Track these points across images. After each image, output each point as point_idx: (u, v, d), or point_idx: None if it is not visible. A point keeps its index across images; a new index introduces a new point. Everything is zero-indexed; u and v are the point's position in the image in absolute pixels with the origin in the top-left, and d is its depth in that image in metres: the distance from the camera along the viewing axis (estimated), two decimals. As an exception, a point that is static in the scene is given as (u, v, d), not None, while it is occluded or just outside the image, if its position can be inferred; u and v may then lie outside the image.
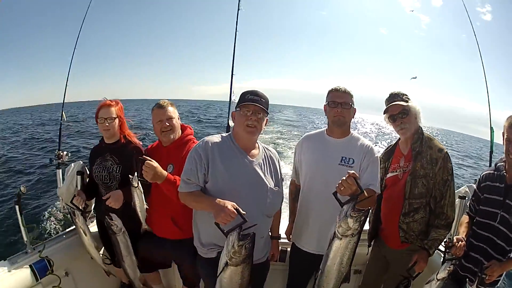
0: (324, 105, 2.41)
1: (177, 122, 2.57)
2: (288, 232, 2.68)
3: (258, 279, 2.40)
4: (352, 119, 2.42)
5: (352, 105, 2.35)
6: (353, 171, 1.80)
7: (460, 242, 2.10)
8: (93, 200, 3.02)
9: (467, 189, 2.71)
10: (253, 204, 2.05)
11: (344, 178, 1.79)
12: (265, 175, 2.17)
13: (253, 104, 2.07)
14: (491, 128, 3.23)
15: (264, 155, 2.25)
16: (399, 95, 2.44)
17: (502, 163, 2.23)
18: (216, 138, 2.17)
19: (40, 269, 2.58)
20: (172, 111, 2.55)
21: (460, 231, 2.32)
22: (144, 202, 2.39)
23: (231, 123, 2.32)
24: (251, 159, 2.16)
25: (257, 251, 2.05)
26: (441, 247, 2.70)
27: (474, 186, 2.43)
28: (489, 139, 3.11)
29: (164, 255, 2.81)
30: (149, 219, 2.50)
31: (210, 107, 63.79)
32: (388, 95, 2.50)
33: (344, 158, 2.31)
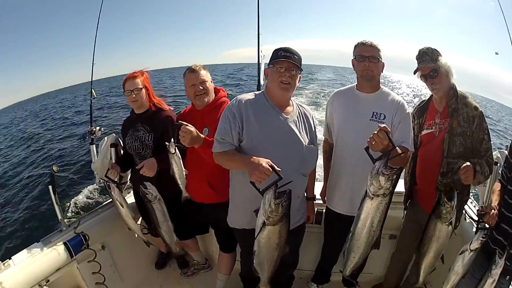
0: (352, 59, 2.35)
1: (210, 85, 2.54)
2: (323, 193, 2.66)
3: (294, 242, 2.40)
4: (381, 73, 2.35)
5: (380, 59, 2.28)
6: (384, 125, 1.76)
7: (492, 210, 2.04)
8: (129, 172, 3.08)
9: (499, 155, 2.63)
10: (288, 162, 2.02)
11: (375, 132, 1.75)
12: (300, 132, 2.14)
13: (286, 61, 2.02)
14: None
15: (299, 111, 2.21)
16: (428, 53, 2.35)
17: None
18: (250, 96, 2.15)
19: (75, 245, 2.64)
20: (205, 75, 2.51)
21: (493, 199, 2.22)
22: (183, 169, 2.36)
23: (262, 82, 2.29)
24: (285, 116, 2.13)
25: (293, 212, 2.03)
26: (474, 216, 2.71)
27: (506, 152, 2.32)
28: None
29: (201, 220, 2.88)
30: (186, 184, 2.47)
31: (244, 69, 62.71)
32: (418, 53, 2.40)
33: (375, 113, 2.26)
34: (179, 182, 2.39)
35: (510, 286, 2.20)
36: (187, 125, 2.18)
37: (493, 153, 2.73)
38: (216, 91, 2.62)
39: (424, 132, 2.49)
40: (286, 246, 1.91)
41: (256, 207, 1.81)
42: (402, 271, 2.88)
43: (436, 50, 2.35)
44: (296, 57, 2.06)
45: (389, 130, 1.75)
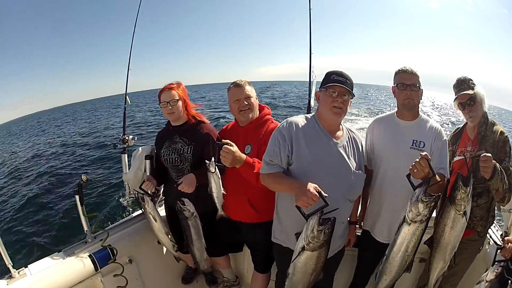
0: (392, 87, 2.37)
1: (255, 101, 2.51)
2: (361, 218, 2.62)
3: (331, 268, 2.37)
4: (421, 100, 2.36)
5: (420, 86, 2.29)
6: (425, 153, 1.80)
7: (510, 244, 2.11)
8: (162, 185, 3.01)
9: None
10: (336, 188, 2.01)
11: (417, 160, 1.80)
12: (349, 158, 2.12)
13: (339, 86, 2.02)
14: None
15: (348, 137, 2.20)
16: (466, 81, 2.45)
17: None
18: (300, 119, 2.15)
19: (101, 258, 2.61)
20: (250, 90, 2.48)
21: (511, 230, 2.34)
22: (222, 188, 2.33)
23: (313, 103, 2.29)
24: (335, 141, 2.11)
25: (335, 238, 2.02)
26: (498, 241, 2.68)
27: None
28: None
29: (237, 239, 2.80)
30: (224, 201, 2.42)
31: (273, 88, 63.15)
32: (456, 81, 2.51)
33: (415, 141, 2.27)
34: (216, 201, 2.36)
35: None
36: (230, 144, 2.17)
37: None
38: (261, 108, 2.59)
39: (456, 158, 2.54)
40: (321, 273, 1.90)
41: (300, 230, 1.81)
42: None
43: (471, 79, 2.46)
44: (349, 82, 2.05)
45: (430, 158, 1.79)
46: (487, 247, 2.86)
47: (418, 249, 1.89)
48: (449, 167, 2.45)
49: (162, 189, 3.09)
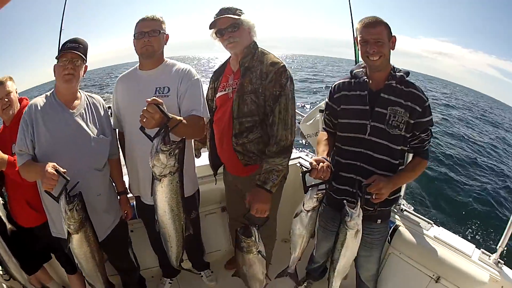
0: (133, 40, 2.19)
1: (14, 96, 2.38)
2: (128, 185, 2.49)
3: (120, 244, 2.40)
4: (165, 45, 2.24)
5: (162, 31, 2.17)
6: (153, 97, 1.63)
7: (320, 164, 1.85)
8: None
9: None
10: (78, 159, 1.98)
11: (144, 108, 1.62)
12: (87, 125, 2.07)
13: (69, 52, 1.98)
14: (354, 43, 3.36)
15: (87, 103, 2.15)
16: (231, 9, 2.19)
17: (361, 70, 2.04)
18: (40, 98, 2.06)
19: None
20: (11, 85, 2.36)
21: (320, 150, 2.11)
22: None
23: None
24: (71, 111, 2.05)
25: (101, 213, 2.04)
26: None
27: (326, 99, 2.23)
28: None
29: (40, 247, 2.56)
30: (12, 211, 2.33)
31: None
32: (218, 10, 2.22)
33: (158, 89, 2.13)
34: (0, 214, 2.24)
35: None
36: None
37: (322, 102, 2.88)
38: (20, 100, 2.45)
39: (218, 94, 2.37)
40: (102, 253, 1.94)
41: None
42: None
43: (239, 8, 2.22)
44: (82, 46, 2.02)
45: (160, 101, 1.63)
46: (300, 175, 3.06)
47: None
48: (213, 105, 2.43)
49: None
